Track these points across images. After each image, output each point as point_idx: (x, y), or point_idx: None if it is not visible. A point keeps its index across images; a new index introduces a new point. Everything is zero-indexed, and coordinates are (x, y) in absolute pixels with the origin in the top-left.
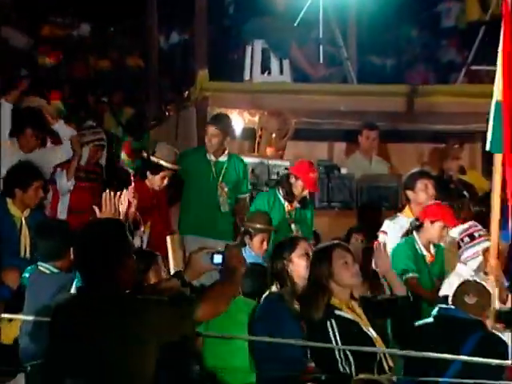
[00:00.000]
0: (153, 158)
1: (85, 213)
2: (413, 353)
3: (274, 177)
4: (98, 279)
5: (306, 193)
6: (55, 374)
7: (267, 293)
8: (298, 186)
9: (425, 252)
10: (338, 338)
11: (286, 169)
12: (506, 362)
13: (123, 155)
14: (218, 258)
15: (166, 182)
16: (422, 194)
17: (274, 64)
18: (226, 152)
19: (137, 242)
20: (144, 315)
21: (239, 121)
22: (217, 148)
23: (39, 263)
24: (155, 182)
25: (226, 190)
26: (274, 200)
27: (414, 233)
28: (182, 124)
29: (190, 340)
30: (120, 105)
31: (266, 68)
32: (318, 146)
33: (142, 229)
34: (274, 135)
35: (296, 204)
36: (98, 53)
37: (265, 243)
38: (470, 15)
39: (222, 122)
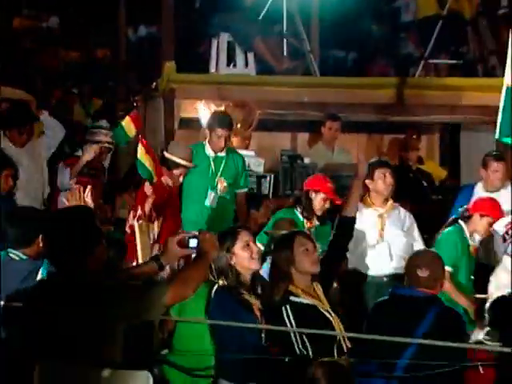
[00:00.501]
0: (167, 155)
1: None
2: (370, 336)
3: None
4: (68, 265)
5: (327, 206)
6: (29, 356)
7: (215, 287)
8: (320, 200)
9: (470, 242)
10: (294, 323)
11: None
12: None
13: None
14: (193, 242)
15: (181, 179)
16: (380, 182)
17: (239, 57)
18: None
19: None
20: (113, 300)
21: (205, 111)
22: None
23: (9, 250)
24: (171, 179)
25: (225, 184)
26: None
27: (462, 222)
28: (149, 115)
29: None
30: (89, 96)
31: (231, 60)
32: (281, 137)
33: (156, 224)
34: (239, 126)
35: (315, 221)
36: (67, 45)
37: None
38: (426, 10)
39: (229, 121)
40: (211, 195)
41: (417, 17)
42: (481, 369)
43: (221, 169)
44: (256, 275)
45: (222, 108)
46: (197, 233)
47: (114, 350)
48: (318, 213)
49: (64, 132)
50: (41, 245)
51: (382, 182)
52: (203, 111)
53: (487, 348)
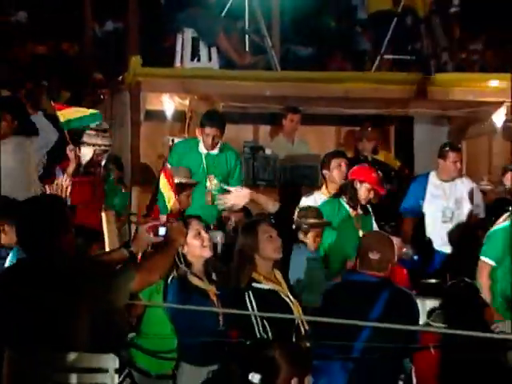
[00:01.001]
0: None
1: (87, 205)
2: (328, 319)
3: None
4: (37, 251)
5: (371, 196)
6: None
7: (171, 277)
8: (364, 190)
9: None
10: (255, 308)
11: None
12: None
13: None
14: (162, 230)
15: (190, 200)
16: (336, 172)
17: (203, 51)
18: (219, 144)
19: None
20: (81, 285)
21: (170, 104)
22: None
23: None
24: (181, 201)
25: (214, 182)
26: (338, 207)
27: None
28: (116, 107)
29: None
30: (57, 88)
31: (195, 55)
32: (244, 129)
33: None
34: None
35: (359, 210)
36: (35, 39)
37: (318, 238)
38: (377, 4)
39: (218, 120)
40: (207, 195)
41: (368, 11)
42: (432, 350)
43: (212, 166)
44: (209, 262)
45: (187, 101)
46: (165, 221)
47: (82, 333)
48: (363, 202)
49: (57, 135)
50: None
51: (338, 171)
52: (168, 104)
53: (435, 330)
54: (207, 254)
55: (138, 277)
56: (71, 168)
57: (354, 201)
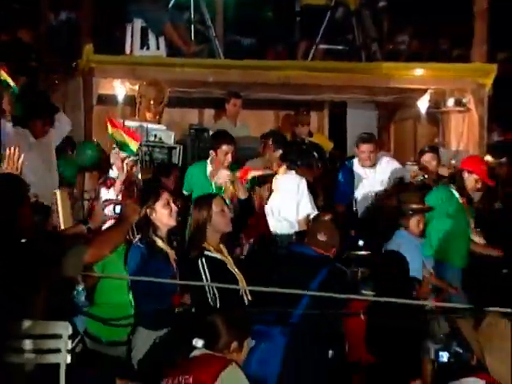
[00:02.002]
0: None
1: None
2: (273, 289)
3: (152, 138)
4: None
5: (478, 186)
6: None
7: (135, 240)
8: (472, 180)
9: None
10: (208, 274)
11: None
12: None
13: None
14: (117, 209)
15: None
16: (267, 152)
17: (152, 40)
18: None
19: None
20: (37, 256)
21: (121, 89)
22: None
23: None
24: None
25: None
26: (450, 195)
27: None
28: (70, 92)
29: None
30: (13, 74)
31: (144, 44)
32: (189, 112)
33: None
34: (151, 102)
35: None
36: None
37: (421, 224)
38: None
39: (232, 140)
40: None
41: (300, 3)
42: (362, 316)
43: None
44: (172, 231)
45: (137, 86)
46: (120, 200)
47: (37, 302)
48: (470, 192)
49: (70, 125)
50: None
51: (272, 152)
52: (119, 89)
53: (365, 298)
54: (172, 222)
55: (91, 250)
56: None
57: (461, 190)
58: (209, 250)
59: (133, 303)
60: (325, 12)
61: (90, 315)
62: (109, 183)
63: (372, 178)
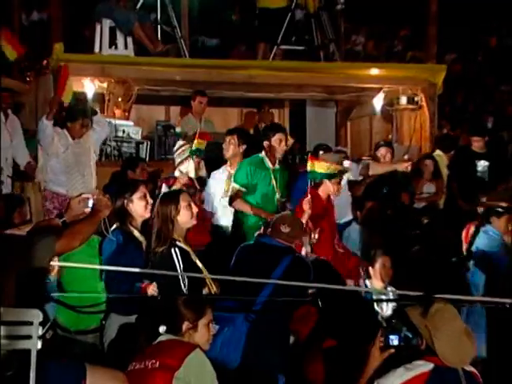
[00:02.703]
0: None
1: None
2: (237, 278)
3: (120, 133)
4: None
5: None
6: None
7: (112, 228)
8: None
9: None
10: (181, 263)
11: None
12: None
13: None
14: (90, 203)
15: (342, 188)
16: (231, 147)
17: (120, 40)
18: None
19: (307, 249)
20: (8, 246)
21: (91, 87)
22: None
23: None
24: (330, 188)
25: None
26: None
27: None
28: (41, 89)
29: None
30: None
31: (112, 43)
32: (157, 109)
33: (313, 235)
34: (120, 99)
35: None
36: None
37: (510, 225)
38: (267, 4)
39: (284, 129)
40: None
41: (257, 5)
42: (320, 303)
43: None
44: (147, 222)
45: (105, 84)
46: (93, 194)
47: (8, 290)
48: None
49: (110, 128)
50: None
51: (233, 146)
52: (89, 86)
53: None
54: (147, 214)
55: (62, 241)
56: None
57: None
58: (179, 241)
59: (104, 291)
60: (282, 15)
61: (61, 303)
62: (171, 181)
63: None
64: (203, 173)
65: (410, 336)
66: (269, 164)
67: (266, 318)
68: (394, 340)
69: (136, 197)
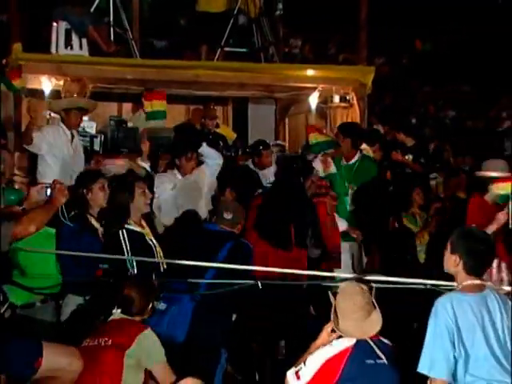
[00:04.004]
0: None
1: None
2: (183, 262)
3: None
4: None
5: None
6: None
7: (71, 214)
8: None
9: None
10: (128, 244)
11: None
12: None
13: None
14: (48, 191)
15: None
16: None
17: (75, 41)
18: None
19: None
20: None
21: (48, 84)
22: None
23: None
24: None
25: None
26: None
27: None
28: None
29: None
30: None
31: (68, 44)
32: (109, 106)
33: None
34: (75, 96)
35: None
36: None
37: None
38: (206, 8)
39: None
40: None
41: (197, 8)
42: (260, 284)
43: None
44: (103, 210)
45: (62, 82)
46: (51, 183)
47: None
48: None
49: (222, 159)
50: None
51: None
52: (46, 84)
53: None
54: (104, 204)
55: (18, 227)
56: None
57: None
58: (129, 224)
59: (60, 274)
60: (221, 19)
61: (19, 285)
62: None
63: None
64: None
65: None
66: None
67: (209, 298)
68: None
69: (96, 187)
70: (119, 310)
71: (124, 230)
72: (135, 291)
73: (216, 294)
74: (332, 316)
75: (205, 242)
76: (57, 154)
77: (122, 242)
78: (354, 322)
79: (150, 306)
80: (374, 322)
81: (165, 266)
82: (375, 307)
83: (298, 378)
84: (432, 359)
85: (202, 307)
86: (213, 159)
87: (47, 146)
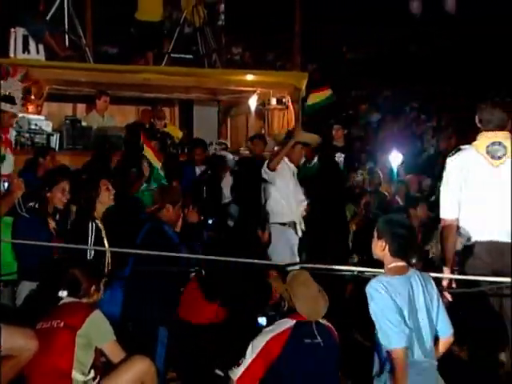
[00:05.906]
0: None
1: None
2: (129, 250)
3: (33, 126)
4: None
5: None
6: None
7: (27, 207)
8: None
9: None
10: (93, 236)
11: None
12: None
13: None
14: (5, 185)
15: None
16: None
17: (32, 46)
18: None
19: None
20: None
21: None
22: None
23: None
24: None
25: None
26: None
27: None
28: None
29: None
30: None
31: (25, 49)
32: (65, 106)
33: None
34: (33, 97)
35: None
36: None
37: None
38: (145, 17)
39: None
40: None
41: (137, 17)
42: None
43: None
44: (65, 207)
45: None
46: (7, 176)
47: None
48: None
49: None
50: None
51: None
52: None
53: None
54: (61, 205)
55: None
56: None
57: None
58: (96, 219)
59: (15, 262)
60: (157, 27)
61: None
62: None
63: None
64: None
65: (274, 313)
66: None
67: (138, 279)
68: (263, 321)
69: (56, 189)
70: (65, 293)
71: (93, 223)
72: (78, 272)
73: (145, 275)
74: (285, 297)
75: (131, 227)
76: None
77: (90, 233)
78: (308, 304)
79: (94, 287)
80: (324, 305)
81: (109, 260)
82: (323, 293)
83: (238, 365)
84: (387, 334)
85: (131, 288)
86: None
87: None
